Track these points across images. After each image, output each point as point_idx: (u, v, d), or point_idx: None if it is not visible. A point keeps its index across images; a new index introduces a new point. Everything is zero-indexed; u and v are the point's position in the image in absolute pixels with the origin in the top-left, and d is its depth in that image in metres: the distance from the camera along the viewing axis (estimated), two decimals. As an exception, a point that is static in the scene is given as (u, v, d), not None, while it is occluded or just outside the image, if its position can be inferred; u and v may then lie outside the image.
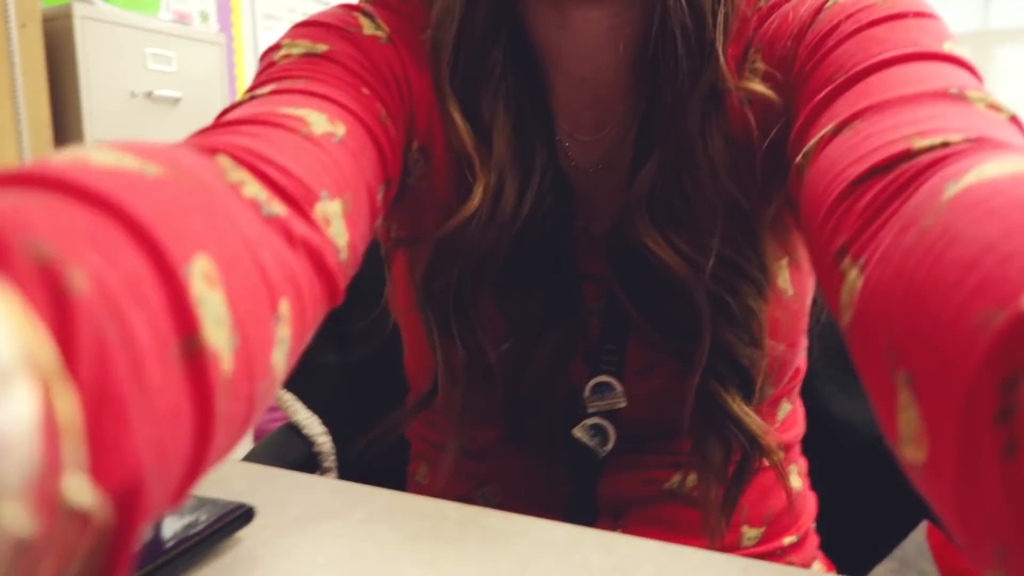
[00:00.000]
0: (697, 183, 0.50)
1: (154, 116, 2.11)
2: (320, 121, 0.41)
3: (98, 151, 0.25)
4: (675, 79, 0.49)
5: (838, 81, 0.41)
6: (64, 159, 0.24)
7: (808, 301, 0.58)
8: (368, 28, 0.52)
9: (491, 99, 0.52)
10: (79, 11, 1.91)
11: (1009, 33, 6.40)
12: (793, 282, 0.55)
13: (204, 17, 3.01)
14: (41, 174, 0.22)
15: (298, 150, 0.37)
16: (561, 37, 0.53)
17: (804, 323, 0.58)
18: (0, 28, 1.71)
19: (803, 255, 0.55)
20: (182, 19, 2.85)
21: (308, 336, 0.33)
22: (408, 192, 0.55)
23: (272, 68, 0.47)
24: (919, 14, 0.42)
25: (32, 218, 0.19)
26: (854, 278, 0.30)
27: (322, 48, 0.48)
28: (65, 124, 1.95)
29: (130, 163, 0.25)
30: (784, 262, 0.54)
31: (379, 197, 0.47)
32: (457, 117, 0.51)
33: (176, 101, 2.16)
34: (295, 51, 0.48)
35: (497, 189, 0.51)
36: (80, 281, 0.18)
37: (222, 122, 0.39)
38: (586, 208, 0.56)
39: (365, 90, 0.47)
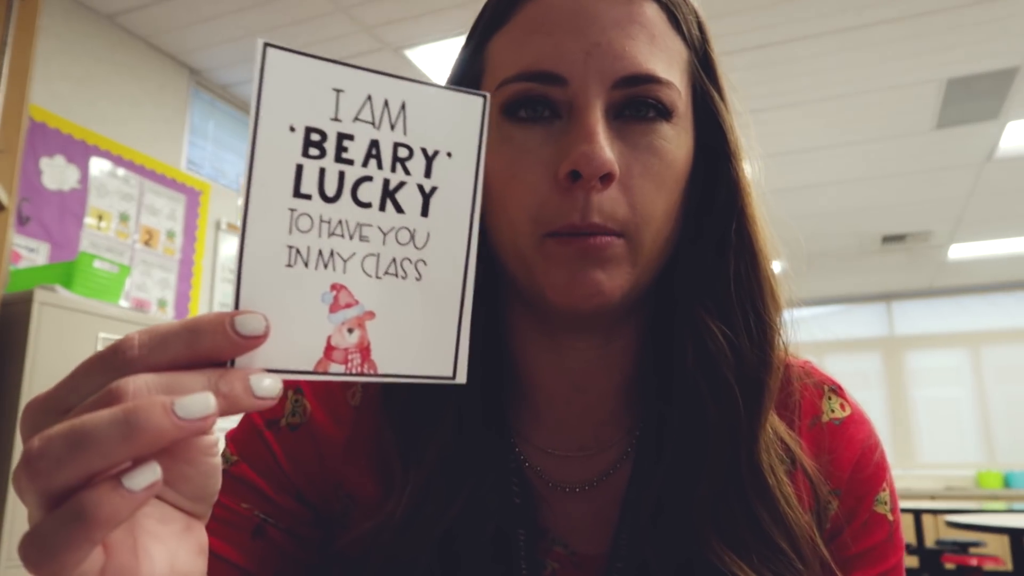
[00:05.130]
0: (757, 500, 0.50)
1: (94, 398, 2.09)
2: None
3: None
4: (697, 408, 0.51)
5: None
6: None
7: None
8: (287, 417, 0.57)
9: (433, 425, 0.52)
10: (40, 297, 1.98)
11: (913, 339, 7.02)
12: None
13: (162, 304, 3.13)
14: None
15: None
16: (550, 360, 0.55)
17: None
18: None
19: None
20: (141, 307, 2.96)
21: None
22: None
23: None
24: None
25: None
26: None
27: (234, 460, 0.55)
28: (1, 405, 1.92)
29: None
30: None
31: None
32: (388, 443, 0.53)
33: (120, 384, 2.16)
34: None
35: (417, 501, 0.50)
36: None
37: None
38: (565, 528, 0.54)
39: (245, 504, 0.53)
